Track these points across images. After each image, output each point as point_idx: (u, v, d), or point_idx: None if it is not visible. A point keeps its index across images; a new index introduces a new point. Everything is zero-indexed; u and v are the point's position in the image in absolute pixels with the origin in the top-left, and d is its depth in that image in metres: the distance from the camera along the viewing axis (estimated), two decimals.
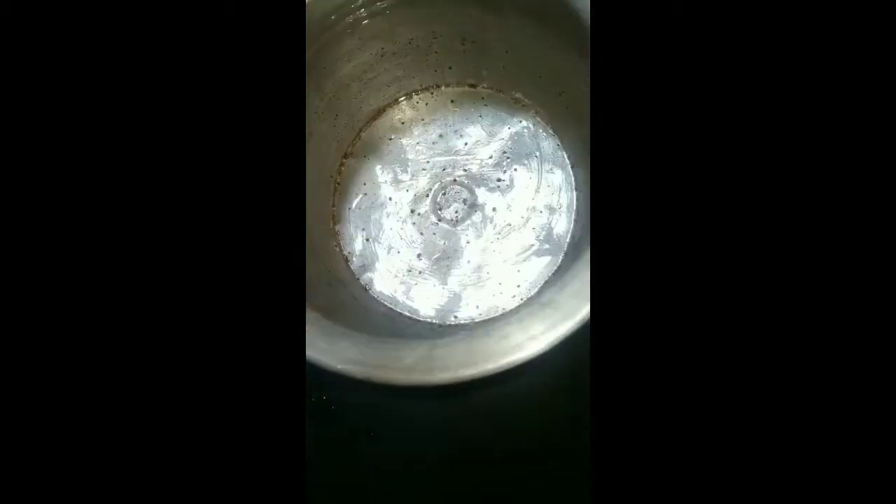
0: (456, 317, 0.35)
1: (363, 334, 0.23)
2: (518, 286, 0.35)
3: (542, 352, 0.22)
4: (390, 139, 0.38)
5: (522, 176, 0.37)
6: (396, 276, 0.36)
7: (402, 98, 0.39)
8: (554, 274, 0.34)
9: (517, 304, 0.33)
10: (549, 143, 0.37)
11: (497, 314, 0.33)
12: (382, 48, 0.35)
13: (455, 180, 0.37)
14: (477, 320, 0.34)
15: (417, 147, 0.38)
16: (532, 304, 0.23)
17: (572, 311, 0.22)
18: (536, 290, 0.34)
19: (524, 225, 0.36)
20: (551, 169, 0.37)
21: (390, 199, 0.38)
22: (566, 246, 0.35)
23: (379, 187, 0.38)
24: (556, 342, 0.22)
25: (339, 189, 0.38)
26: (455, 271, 0.36)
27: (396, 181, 0.38)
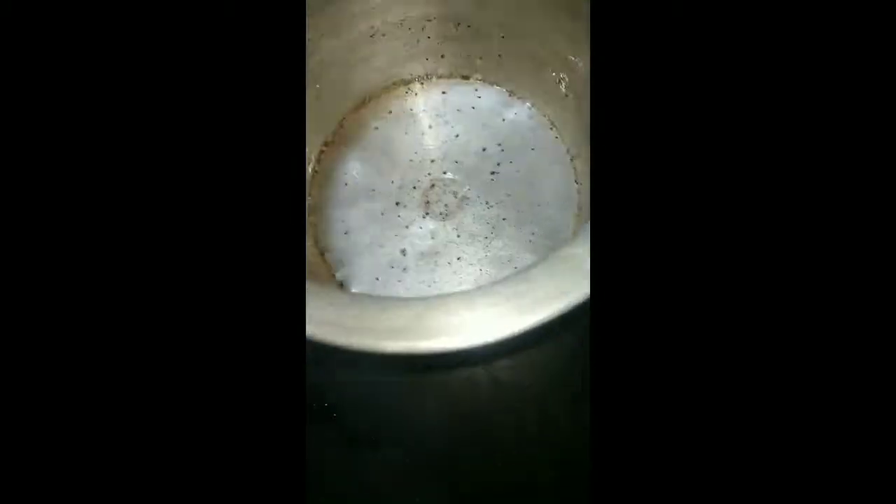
0: None
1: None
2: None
3: (550, 319, 0.18)
4: (376, 128, 0.36)
5: (518, 168, 0.34)
6: (376, 273, 0.32)
7: (391, 86, 0.36)
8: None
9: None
10: (546, 135, 0.35)
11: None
12: (372, 26, 0.33)
13: (445, 172, 0.34)
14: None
15: (405, 137, 0.35)
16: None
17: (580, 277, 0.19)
18: None
19: (521, 220, 0.33)
20: (549, 161, 0.34)
21: (373, 190, 0.34)
22: (567, 242, 0.32)
23: (362, 178, 0.35)
24: (565, 309, 0.18)
25: (318, 178, 0.35)
26: (443, 268, 0.32)
27: (381, 172, 0.35)
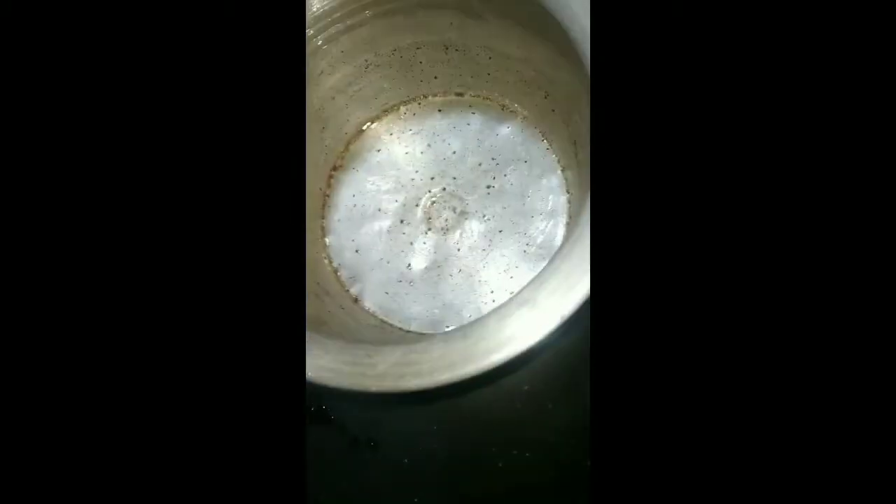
0: (448, 326, 0.34)
1: (337, 341, 0.22)
2: (511, 293, 0.34)
3: (522, 351, 0.21)
4: (378, 150, 0.38)
5: (512, 181, 0.36)
6: (386, 287, 0.36)
7: (390, 109, 0.38)
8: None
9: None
10: (538, 147, 0.37)
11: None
12: (366, 60, 0.35)
13: (444, 189, 0.37)
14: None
15: (406, 157, 0.38)
16: (510, 303, 0.22)
17: (551, 308, 0.21)
18: None
19: (516, 231, 0.36)
20: (541, 173, 0.36)
21: (379, 209, 0.37)
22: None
23: (368, 198, 0.38)
24: (536, 342, 0.21)
25: (329, 201, 0.38)
26: (446, 280, 0.36)
27: (385, 192, 0.37)
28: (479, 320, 0.22)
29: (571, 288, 0.21)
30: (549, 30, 0.27)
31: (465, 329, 0.22)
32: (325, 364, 0.21)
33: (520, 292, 0.22)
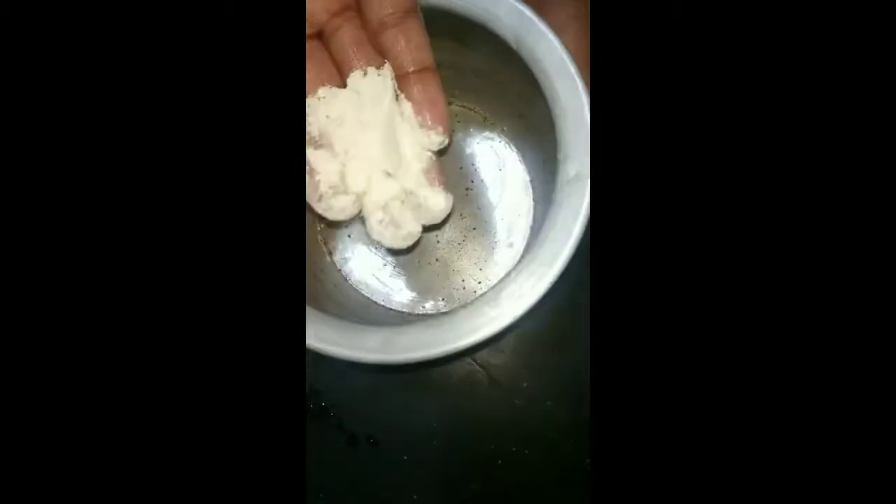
0: (423, 307, 0.41)
1: (340, 320, 0.28)
2: (479, 283, 0.41)
3: (483, 339, 0.27)
4: None
5: (488, 185, 0.42)
6: (372, 270, 0.42)
7: None
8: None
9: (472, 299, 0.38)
10: (511, 158, 0.42)
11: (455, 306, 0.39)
12: None
13: None
14: (441, 311, 0.39)
15: None
16: (476, 301, 0.28)
17: (508, 309, 0.27)
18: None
19: (488, 229, 0.41)
20: (514, 181, 0.42)
21: None
22: (522, 250, 0.41)
23: None
24: (493, 333, 0.27)
25: None
26: (424, 267, 0.41)
27: None
28: (452, 312, 0.28)
29: (524, 294, 0.27)
30: (525, 66, 0.32)
31: (440, 318, 0.28)
32: (327, 337, 0.27)
33: (485, 293, 0.28)
